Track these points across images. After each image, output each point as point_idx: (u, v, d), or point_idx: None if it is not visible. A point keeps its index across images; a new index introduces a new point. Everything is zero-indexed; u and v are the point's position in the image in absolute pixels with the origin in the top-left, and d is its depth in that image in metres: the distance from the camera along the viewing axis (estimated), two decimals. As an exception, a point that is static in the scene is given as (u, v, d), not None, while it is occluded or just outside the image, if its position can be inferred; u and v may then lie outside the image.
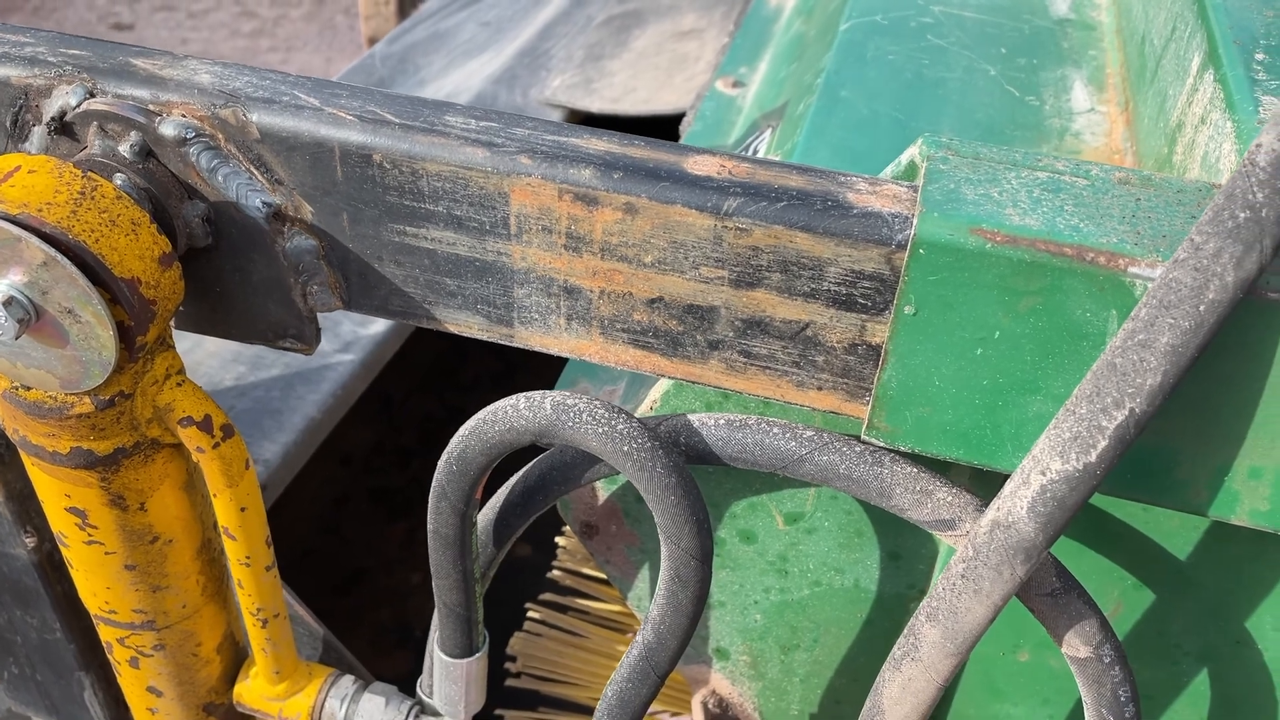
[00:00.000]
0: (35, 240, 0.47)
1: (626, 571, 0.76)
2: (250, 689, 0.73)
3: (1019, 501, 0.47)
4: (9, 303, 0.49)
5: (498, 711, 1.02)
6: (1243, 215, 0.42)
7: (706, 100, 1.08)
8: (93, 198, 0.50)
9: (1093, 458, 0.45)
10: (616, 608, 1.07)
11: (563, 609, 1.02)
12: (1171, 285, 0.43)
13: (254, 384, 0.98)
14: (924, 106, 0.83)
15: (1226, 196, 0.43)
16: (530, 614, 1.01)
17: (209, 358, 1.01)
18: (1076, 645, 0.55)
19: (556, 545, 1.00)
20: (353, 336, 1.03)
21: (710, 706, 0.81)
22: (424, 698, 0.74)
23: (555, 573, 1.01)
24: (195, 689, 0.73)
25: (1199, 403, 0.48)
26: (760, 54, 1.15)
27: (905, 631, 0.53)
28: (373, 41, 2.69)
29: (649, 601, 0.75)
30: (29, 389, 0.54)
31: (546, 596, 1.02)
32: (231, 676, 0.75)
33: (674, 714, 1.01)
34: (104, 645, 0.70)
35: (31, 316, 0.50)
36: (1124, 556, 0.64)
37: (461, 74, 1.48)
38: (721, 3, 1.41)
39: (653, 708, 1.01)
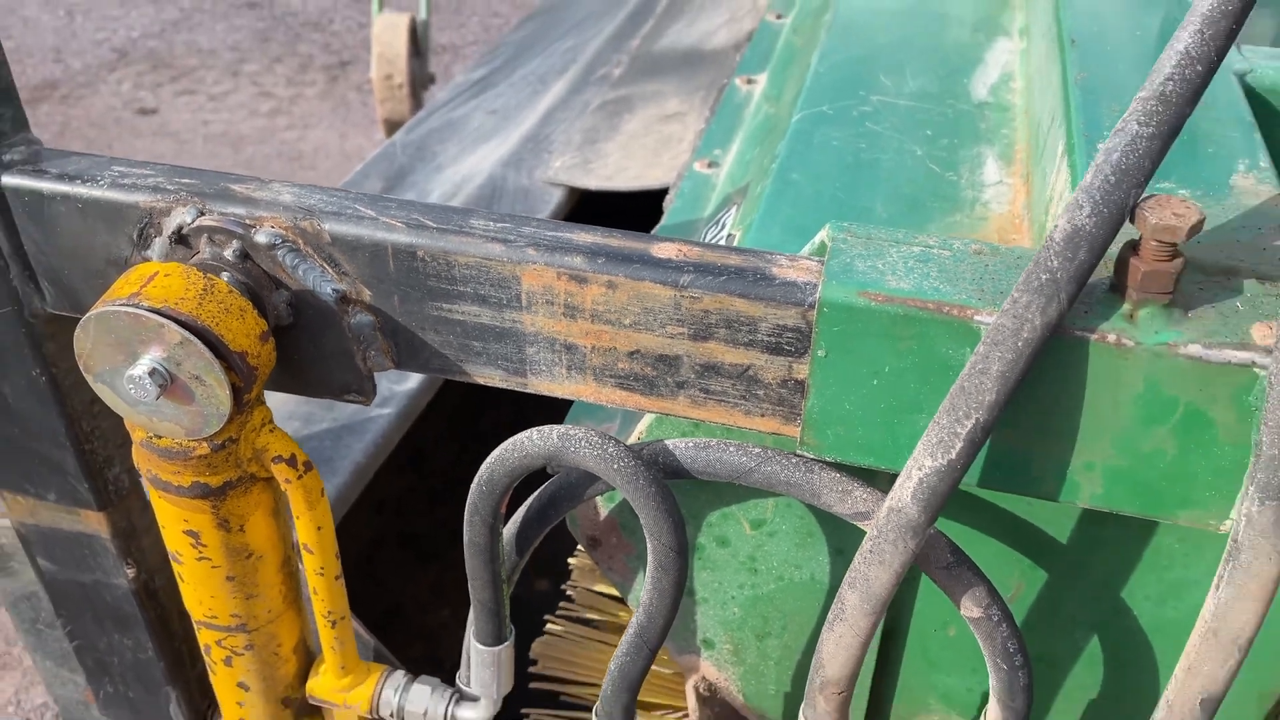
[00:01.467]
0: (175, 326, 0.64)
1: (626, 576, 0.92)
2: (320, 683, 0.89)
3: (905, 491, 0.63)
4: (153, 373, 0.66)
5: (523, 711, 1.17)
6: (1044, 277, 0.59)
7: (686, 179, 1.26)
8: (211, 292, 0.67)
9: (953, 455, 0.61)
10: (626, 617, 1.22)
11: (577, 620, 1.18)
12: (998, 328, 0.60)
13: (308, 436, 1.15)
14: (860, 185, 1.00)
15: (1034, 263, 0.60)
16: (549, 624, 1.16)
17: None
18: (970, 607, 0.71)
19: (569, 566, 1.15)
20: (389, 393, 1.20)
21: (701, 690, 0.97)
22: (462, 687, 0.90)
23: (570, 591, 1.17)
24: (276, 684, 0.89)
25: (1038, 414, 0.64)
26: (732, 136, 1.33)
27: (835, 599, 0.69)
28: (388, 122, 2.89)
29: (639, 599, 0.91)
30: (160, 438, 0.71)
31: (563, 607, 1.17)
32: (304, 674, 0.91)
33: (679, 715, 1.16)
34: (203, 648, 0.86)
35: (168, 383, 0.67)
36: (1021, 545, 0.80)
37: (474, 158, 1.66)
38: (700, 89, 1.59)
39: (658, 704, 1.16)
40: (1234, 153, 0.78)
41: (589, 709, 1.18)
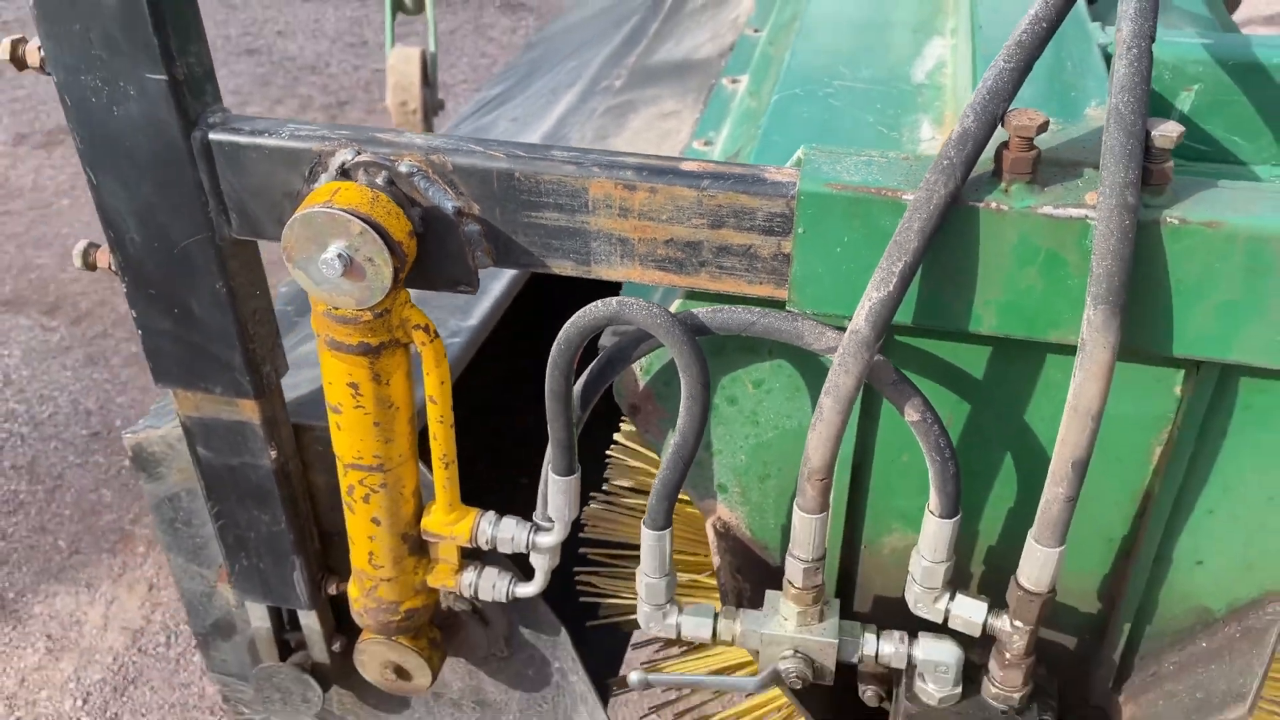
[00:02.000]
0: (357, 220, 0.94)
1: (659, 435, 1.20)
2: (432, 520, 1.18)
3: (859, 317, 0.93)
4: (339, 256, 0.95)
5: (575, 569, 1.45)
6: (945, 163, 0.89)
7: (687, 153, 1.57)
8: (378, 200, 0.96)
9: (891, 287, 0.91)
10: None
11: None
12: (916, 199, 0.90)
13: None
14: (826, 142, 1.30)
15: (938, 155, 0.90)
16: (593, 499, 1.44)
17: None
18: (911, 413, 1.01)
19: (607, 458, 1.43)
20: (456, 328, 1.49)
21: (718, 528, 1.25)
22: (538, 521, 1.18)
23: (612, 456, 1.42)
24: (399, 521, 1.17)
25: (947, 265, 0.94)
26: (722, 122, 1.64)
27: (816, 408, 0.99)
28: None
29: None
30: (338, 308, 1.00)
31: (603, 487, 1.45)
32: (418, 517, 1.19)
33: None
34: (346, 490, 1.14)
35: (348, 265, 0.96)
36: (948, 384, 1.09)
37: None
38: (691, 90, 1.90)
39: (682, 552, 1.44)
40: (1088, 95, 1.09)
41: (629, 577, 1.46)
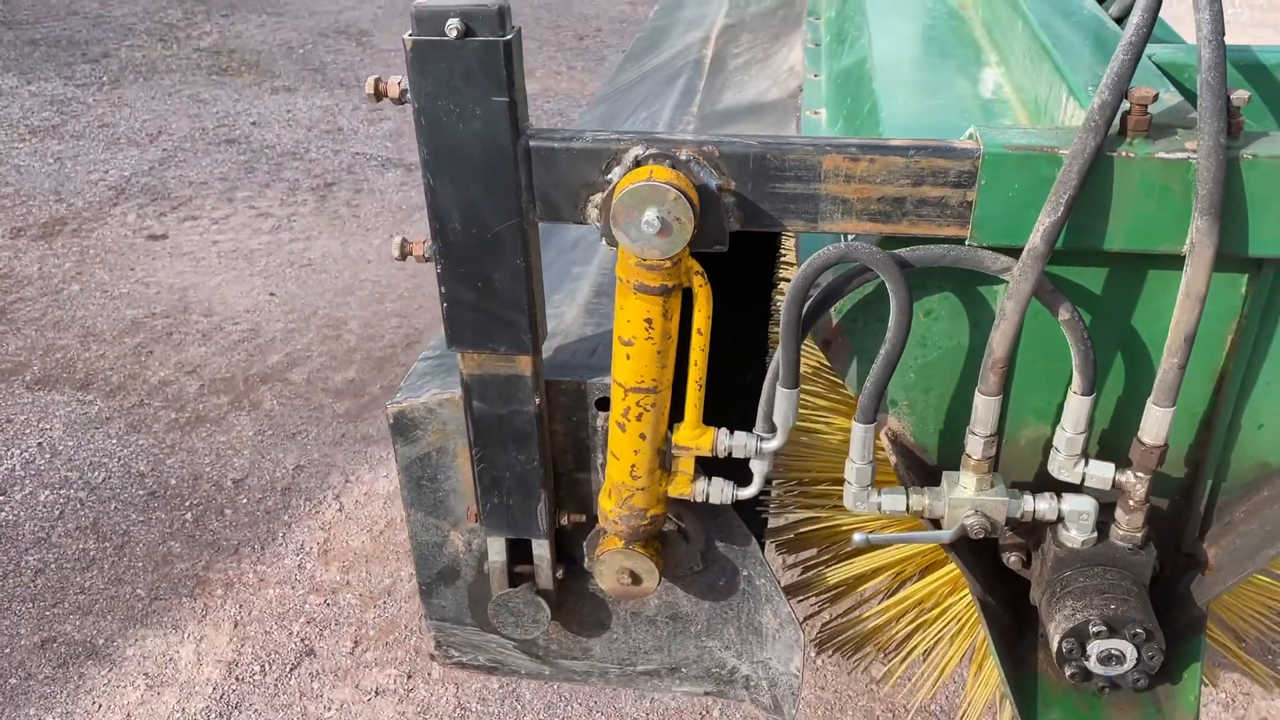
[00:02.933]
0: (674, 189, 1.29)
1: (845, 366, 1.56)
2: (681, 435, 1.51)
3: (1035, 236, 1.31)
4: (659, 218, 1.30)
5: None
6: (1092, 124, 1.28)
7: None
8: (680, 178, 1.32)
9: (1058, 214, 1.29)
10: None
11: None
12: (1073, 151, 1.29)
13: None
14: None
15: (1084, 121, 1.29)
16: None
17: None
18: (1062, 314, 1.39)
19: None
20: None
21: (889, 436, 1.61)
22: (760, 433, 1.53)
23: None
24: (657, 436, 1.50)
25: (1093, 200, 1.33)
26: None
27: (998, 310, 1.36)
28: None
29: (859, 382, 1.55)
30: (647, 259, 1.35)
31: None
32: (668, 434, 1.52)
33: None
34: (622, 412, 1.47)
35: (662, 224, 1.31)
36: (1079, 299, 1.47)
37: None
38: (770, 126, 2.30)
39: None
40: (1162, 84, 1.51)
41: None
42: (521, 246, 1.45)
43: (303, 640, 3.33)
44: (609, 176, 1.39)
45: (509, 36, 1.32)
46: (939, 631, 1.84)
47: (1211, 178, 1.26)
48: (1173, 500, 1.60)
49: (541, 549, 1.73)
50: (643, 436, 1.50)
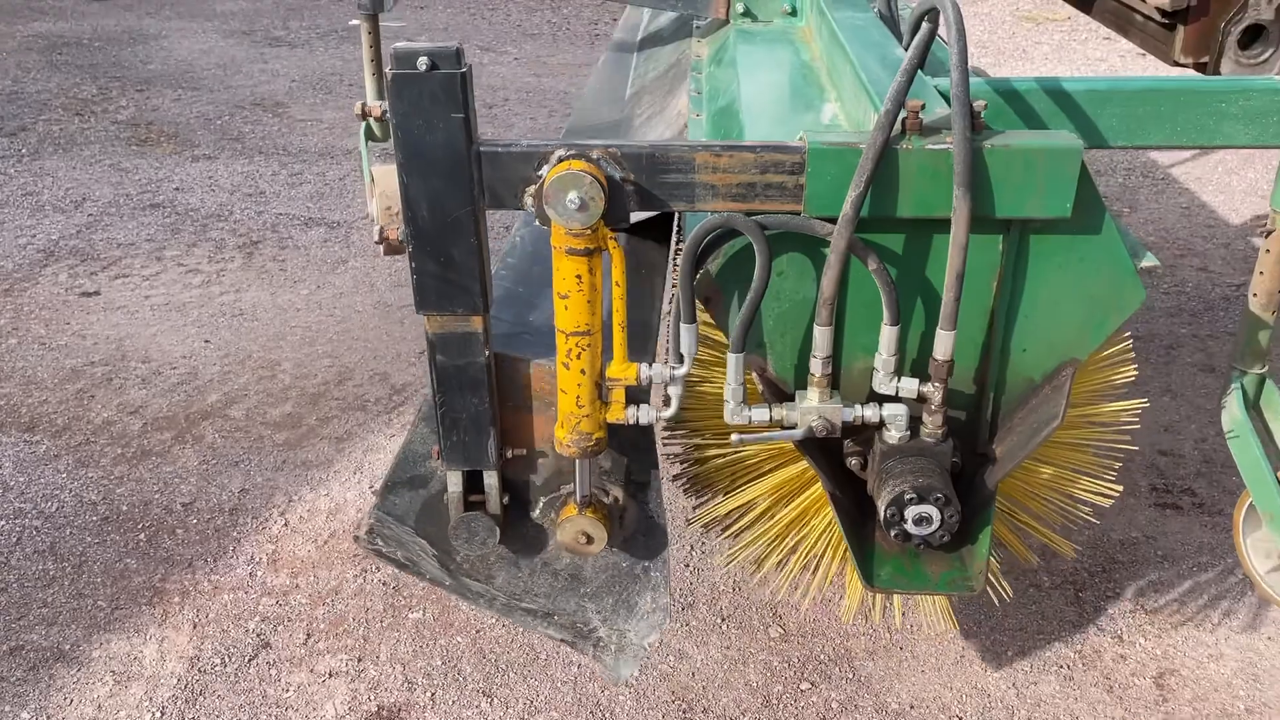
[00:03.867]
0: (589, 176, 1.80)
1: (724, 315, 2.06)
2: (612, 369, 1.99)
3: (846, 205, 1.84)
4: (579, 199, 1.80)
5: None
6: (880, 123, 1.83)
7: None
8: (594, 169, 1.82)
9: (861, 188, 1.83)
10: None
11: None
12: (870, 145, 1.83)
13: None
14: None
15: (874, 124, 1.84)
16: None
17: None
18: (871, 264, 1.92)
19: None
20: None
21: (757, 372, 2.12)
22: (671, 364, 2.02)
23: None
24: (595, 372, 1.97)
25: (884, 180, 1.87)
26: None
27: (825, 262, 1.88)
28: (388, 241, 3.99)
29: (731, 328, 2.04)
30: (572, 229, 1.84)
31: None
32: (604, 369, 2.00)
33: None
34: (565, 353, 1.93)
35: (580, 203, 1.81)
36: (883, 256, 2.01)
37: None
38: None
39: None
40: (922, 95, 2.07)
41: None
42: (474, 228, 1.93)
43: (258, 635, 3.67)
44: (540, 172, 1.89)
45: (464, 70, 1.82)
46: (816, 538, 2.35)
47: (962, 160, 1.81)
48: (968, 412, 2.14)
49: (491, 479, 2.18)
50: (583, 372, 1.97)
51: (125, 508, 4.26)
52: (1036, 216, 1.89)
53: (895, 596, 2.74)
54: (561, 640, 2.36)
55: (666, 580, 2.25)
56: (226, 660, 3.57)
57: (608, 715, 3.27)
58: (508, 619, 2.32)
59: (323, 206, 6.96)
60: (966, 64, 1.84)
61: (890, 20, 2.78)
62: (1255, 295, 2.37)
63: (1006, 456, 2.08)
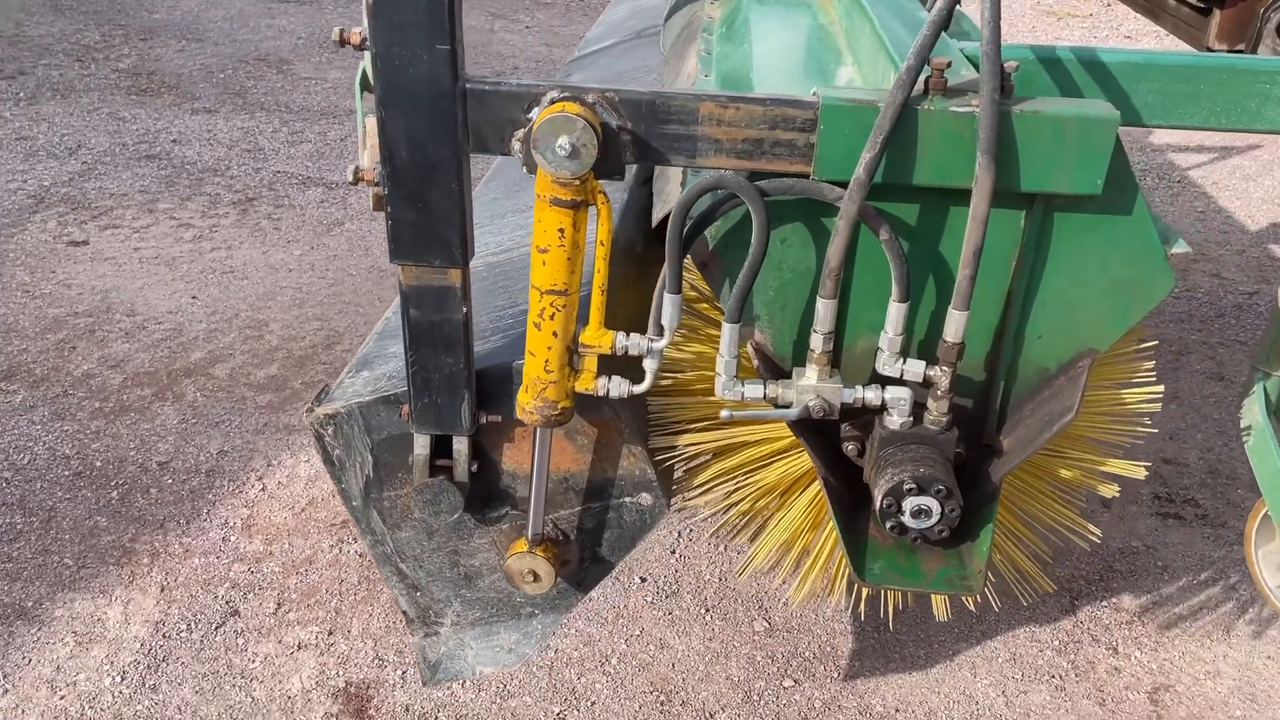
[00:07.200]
0: (582, 120, 1.65)
1: (720, 283, 1.92)
2: (587, 335, 1.84)
3: (859, 168, 1.70)
4: (569, 144, 1.65)
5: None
6: (901, 81, 1.68)
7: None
8: (589, 113, 1.67)
9: (876, 150, 1.68)
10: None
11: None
12: (888, 103, 1.68)
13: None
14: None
15: (895, 81, 1.69)
16: None
17: None
18: (883, 234, 1.77)
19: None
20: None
21: (754, 346, 1.97)
22: (650, 335, 1.87)
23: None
24: (567, 336, 1.83)
25: (903, 142, 1.72)
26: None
27: (833, 230, 1.74)
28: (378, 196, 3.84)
29: (728, 297, 1.90)
30: (560, 177, 1.69)
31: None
32: (577, 338, 1.86)
33: None
34: (538, 313, 1.79)
35: (572, 149, 1.66)
36: (896, 227, 1.86)
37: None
38: None
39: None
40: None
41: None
42: (456, 172, 1.78)
43: (227, 603, 3.53)
44: (530, 115, 1.74)
45: None
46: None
47: (989, 125, 1.66)
48: (975, 400, 1.99)
49: (461, 445, 2.04)
50: (555, 335, 1.83)
51: (99, 463, 4.13)
52: (1064, 192, 1.74)
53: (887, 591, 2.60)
54: (402, 612, 2.18)
55: (543, 639, 2.14)
56: (193, 626, 3.44)
57: (582, 702, 3.14)
58: (377, 564, 2.18)
59: (321, 166, 6.81)
60: (999, 21, 1.69)
61: None
62: (1287, 293, 2.22)
63: (1014, 450, 1.94)
